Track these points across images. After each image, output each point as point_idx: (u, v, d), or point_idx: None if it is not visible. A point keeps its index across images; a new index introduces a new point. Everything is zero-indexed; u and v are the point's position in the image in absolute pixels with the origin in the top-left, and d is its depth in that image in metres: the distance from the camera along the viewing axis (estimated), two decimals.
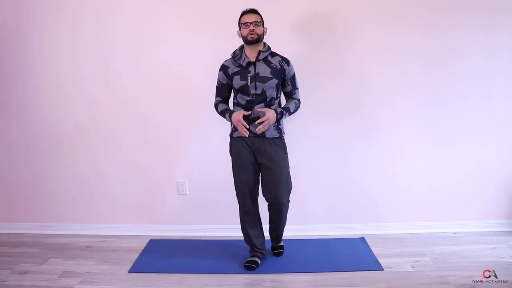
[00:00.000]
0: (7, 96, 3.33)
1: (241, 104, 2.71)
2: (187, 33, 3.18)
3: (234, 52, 2.74)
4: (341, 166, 3.30)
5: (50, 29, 3.21)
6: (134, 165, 3.34)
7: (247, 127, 2.64)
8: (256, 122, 2.64)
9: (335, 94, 3.20)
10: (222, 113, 2.78)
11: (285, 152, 2.77)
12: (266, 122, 2.62)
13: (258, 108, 2.66)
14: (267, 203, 2.79)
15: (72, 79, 3.27)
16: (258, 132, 2.64)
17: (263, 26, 2.71)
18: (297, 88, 2.82)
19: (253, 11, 2.68)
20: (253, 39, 2.63)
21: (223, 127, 3.20)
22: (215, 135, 3.25)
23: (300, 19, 3.13)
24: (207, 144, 3.29)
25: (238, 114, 2.65)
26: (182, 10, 3.16)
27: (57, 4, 3.19)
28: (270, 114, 2.62)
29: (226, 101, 2.86)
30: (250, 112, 2.66)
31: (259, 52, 2.69)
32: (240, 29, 2.70)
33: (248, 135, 2.65)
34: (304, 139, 3.19)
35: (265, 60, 2.71)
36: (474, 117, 3.24)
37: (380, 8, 3.13)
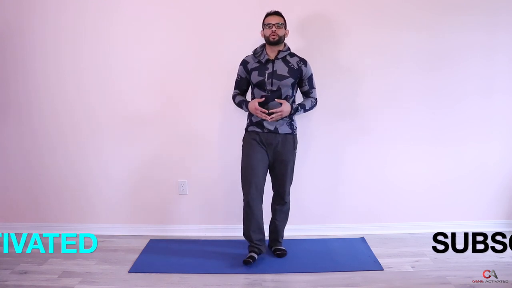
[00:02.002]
0: (7, 96, 3.32)
1: None
2: (186, 34, 3.18)
3: (256, 49, 2.83)
4: (341, 166, 3.30)
5: (50, 29, 3.21)
6: (135, 165, 3.33)
7: (266, 111, 2.72)
8: (270, 110, 2.72)
9: (335, 94, 3.21)
10: (239, 104, 2.87)
11: (294, 148, 2.85)
12: (279, 113, 2.71)
13: (277, 99, 2.74)
14: (273, 192, 2.94)
15: (72, 79, 3.26)
16: (269, 120, 2.73)
17: (285, 28, 2.79)
18: (314, 88, 2.91)
19: (277, 13, 2.77)
20: (274, 40, 2.74)
21: (223, 127, 3.21)
22: (215, 135, 3.26)
23: (298, 21, 3.13)
24: (207, 144, 3.28)
25: (254, 103, 2.74)
26: (183, 11, 3.16)
27: (57, 4, 3.18)
28: (284, 107, 2.73)
29: (243, 94, 2.93)
30: (263, 98, 2.74)
31: (279, 51, 2.78)
32: (263, 29, 2.78)
33: (270, 118, 2.72)
34: (304, 139, 3.18)
35: (284, 59, 2.79)
36: (474, 118, 3.24)
37: (379, 9, 3.13)
